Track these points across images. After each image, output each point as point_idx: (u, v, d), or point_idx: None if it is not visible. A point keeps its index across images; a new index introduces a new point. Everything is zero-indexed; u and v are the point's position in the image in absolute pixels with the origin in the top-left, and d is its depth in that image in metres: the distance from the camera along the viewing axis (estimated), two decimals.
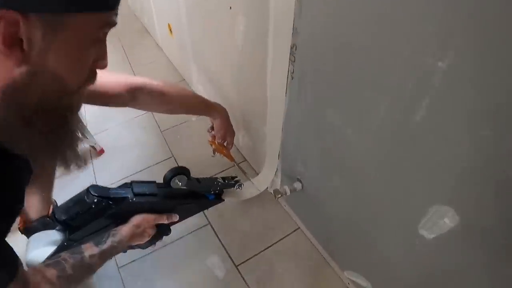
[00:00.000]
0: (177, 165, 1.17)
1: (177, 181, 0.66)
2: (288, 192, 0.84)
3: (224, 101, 1.20)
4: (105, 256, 0.60)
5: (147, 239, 0.67)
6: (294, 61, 0.65)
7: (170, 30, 1.59)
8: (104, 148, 1.35)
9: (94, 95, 0.65)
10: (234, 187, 0.84)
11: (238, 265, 0.95)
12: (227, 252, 0.98)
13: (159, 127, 1.40)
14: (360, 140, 0.57)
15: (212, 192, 0.80)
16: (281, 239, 1.00)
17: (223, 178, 0.82)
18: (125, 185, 0.67)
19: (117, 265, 1.00)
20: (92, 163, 1.33)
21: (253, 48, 0.81)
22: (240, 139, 1.17)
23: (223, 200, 0.84)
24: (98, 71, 0.45)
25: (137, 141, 1.37)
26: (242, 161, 1.20)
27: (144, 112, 1.50)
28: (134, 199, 0.63)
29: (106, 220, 0.64)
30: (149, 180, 0.70)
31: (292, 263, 0.94)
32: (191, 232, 1.04)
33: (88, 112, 1.58)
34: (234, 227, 1.04)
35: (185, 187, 0.68)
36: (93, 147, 1.34)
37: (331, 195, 0.76)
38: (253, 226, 1.03)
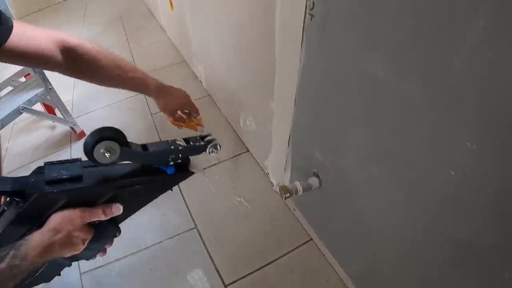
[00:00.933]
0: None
1: (103, 151, 0.37)
2: (301, 191, 0.61)
3: (224, 76, 0.98)
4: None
5: (81, 246, 0.43)
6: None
7: (171, 3, 1.39)
8: (84, 131, 1.16)
9: (18, 51, 0.50)
10: (206, 150, 0.49)
11: (228, 285, 0.71)
12: (215, 267, 0.75)
13: (149, 110, 1.19)
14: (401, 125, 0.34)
15: (171, 163, 0.46)
16: (287, 253, 0.75)
17: (187, 140, 0.49)
18: (38, 170, 0.41)
19: (79, 270, 0.79)
20: (71, 147, 1.14)
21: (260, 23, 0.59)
22: (241, 122, 0.94)
23: (192, 172, 0.50)
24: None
25: (122, 123, 1.17)
26: (245, 152, 0.97)
27: (132, 94, 1.30)
28: (47, 189, 0.38)
29: (18, 227, 0.40)
30: (73, 158, 0.42)
31: (300, 285, 0.70)
32: (172, 237, 0.81)
33: (75, 93, 1.40)
34: (227, 234, 0.80)
35: (124, 161, 0.41)
36: (72, 128, 1.16)
37: (363, 195, 0.52)
38: (252, 234, 0.80)
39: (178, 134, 0.98)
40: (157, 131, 1.11)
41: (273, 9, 0.55)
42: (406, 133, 0.38)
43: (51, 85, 1.09)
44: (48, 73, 1.11)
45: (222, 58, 0.96)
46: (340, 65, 0.44)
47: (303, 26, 0.48)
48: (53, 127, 1.26)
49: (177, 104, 0.75)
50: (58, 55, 0.55)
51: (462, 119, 0.30)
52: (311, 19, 0.46)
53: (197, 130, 0.73)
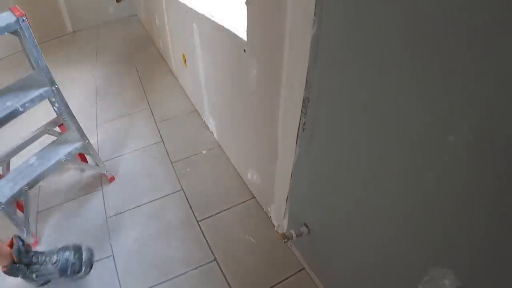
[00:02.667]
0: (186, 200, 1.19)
1: None
2: (295, 237, 0.85)
3: (234, 135, 1.23)
4: None
5: None
6: (306, 114, 0.68)
7: (184, 60, 1.65)
8: (114, 176, 1.38)
9: None
10: None
11: None
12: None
13: (169, 158, 1.43)
14: (368, 194, 0.59)
15: None
16: (284, 279, 0.99)
17: None
18: None
19: None
20: (102, 190, 1.35)
21: (265, 94, 0.84)
22: (248, 175, 1.18)
23: None
24: None
25: (146, 170, 1.39)
26: (252, 198, 1.21)
27: (155, 141, 1.54)
28: None
29: None
30: None
31: None
32: (195, 268, 1.04)
33: (101, 139, 1.63)
34: (239, 262, 1.04)
35: None
36: (104, 174, 1.38)
37: (338, 242, 0.77)
38: (257, 264, 1.03)
39: (193, 189, 1.19)
40: (178, 180, 1.34)
41: (276, 121, 0.80)
42: (355, 211, 0.63)
43: (88, 139, 1.31)
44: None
45: (232, 124, 1.21)
46: (323, 162, 0.70)
47: (297, 135, 0.73)
48: (82, 169, 1.48)
49: None
50: None
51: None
52: (303, 130, 0.72)
53: None
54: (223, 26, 0.95)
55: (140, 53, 2.59)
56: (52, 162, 1.26)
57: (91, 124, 1.74)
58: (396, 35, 0.42)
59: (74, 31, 3.54)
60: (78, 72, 2.43)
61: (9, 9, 1.05)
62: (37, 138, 1.46)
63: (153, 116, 1.73)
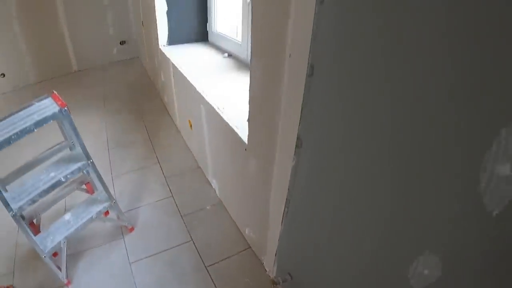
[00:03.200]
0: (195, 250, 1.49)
1: None
2: (281, 283, 1.18)
3: (233, 197, 1.57)
4: None
5: None
6: (290, 202, 1.03)
7: (190, 125, 2.00)
8: (134, 227, 1.68)
9: None
10: None
11: None
12: None
13: (179, 212, 1.75)
14: (342, 268, 0.92)
15: None
16: None
17: None
18: None
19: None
20: (124, 239, 1.64)
21: (261, 179, 1.19)
22: (246, 231, 1.51)
23: None
24: None
25: (161, 222, 1.70)
26: (247, 248, 1.53)
27: (167, 196, 1.86)
28: None
29: None
30: None
31: None
32: None
33: (118, 191, 1.92)
34: None
35: None
36: (125, 225, 1.67)
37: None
38: None
39: (201, 239, 1.46)
40: (188, 231, 1.65)
41: (268, 198, 1.15)
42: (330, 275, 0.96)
43: (115, 199, 1.61)
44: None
45: (232, 189, 1.55)
46: (304, 233, 1.04)
47: (283, 212, 1.07)
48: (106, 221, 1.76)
49: None
50: None
51: None
52: (287, 213, 1.06)
53: None
54: (228, 124, 1.31)
55: (146, 104, 2.93)
56: (85, 220, 1.53)
57: (107, 177, 2.03)
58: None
59: (79, 70, 3.86)
60: (88, 118, 2.74)
61: (51, 96, 1.32)
62: (68, 195, 1.76)
63: (162, 172, 2.05)
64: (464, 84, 0.44)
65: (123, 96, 3.16)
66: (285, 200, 1.03)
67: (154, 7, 2.38)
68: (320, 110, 0.72)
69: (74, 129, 1.39)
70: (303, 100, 0.75)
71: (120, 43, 4.04)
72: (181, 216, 1.72)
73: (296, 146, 0.84)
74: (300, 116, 0.79)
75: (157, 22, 2.44)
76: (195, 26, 2.54)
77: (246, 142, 1.19)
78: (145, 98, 3.06)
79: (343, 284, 0.85)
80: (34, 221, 1.58)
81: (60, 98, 1.34)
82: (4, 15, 3.13)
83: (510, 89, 0.39)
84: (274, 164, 1.03)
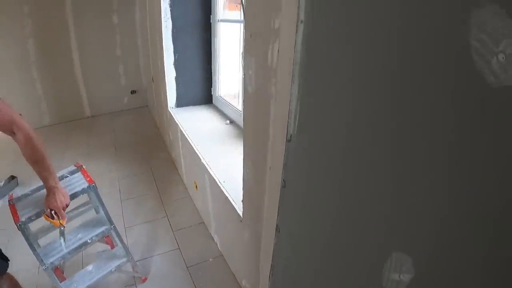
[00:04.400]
0: None
1: None
2: None
3: (232, 254, 1.82)
4: None
5: None
6: (274, 268, 1.29)
7: (196, 186, 2.29)
8: (146, 277, 1.92)
9: None
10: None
11: None
12: None
13: (185, 263, 2.00)
14: None
15: None
16: None
17: None
18: None
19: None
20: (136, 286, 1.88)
21: (252, 249, 1.45)
22: (243, 283, 1.76)
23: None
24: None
25: (170, 273, 1.95)
26: None
27: (174, 248, 2.11)
28: None
29: None
30: None
31: None
32: None
33: (130, 242, 2.17)
34: None
35: None
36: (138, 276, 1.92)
37: None
38: None
39: None
40: (192, 280, 1.90)
41: (258, 262, 1.41)
42: None
43: (132, 256, 1.87)
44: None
45: (230, 248, 1.81)
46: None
47: (269, 277, 1.33)
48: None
49: (50, 205, 1.23)
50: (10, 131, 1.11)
51: None
52: (272, 275, 1.32)
53: (58, 226, 1.34)
54: (228, 198, 1.60)
55: (155, 156, 3.24)
56: (105, 272, 1.78)
57: (120, 227, 2.29)
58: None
59: (92, 116, 4.22)
60: (101, 167, 3.05)
61: (80, 171, 1.59)
62: (89, 246, 2.02)
63: (170, 225, 2.32)
64: None
65: (133, 145, 3.48)
66: (270, 266, 1.29)
67: (164, 72, 2.74)
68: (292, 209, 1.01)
69: (100, 200, 1.67)
70: (280, 194, 1.04)
71: (131, 92, 4.44)
72: (186, 267, 1.97)
73: (276, 230, 1.11)
74: (278, 206, 1.07)
75: (167, 86, 2.79)
76: (200, 90, 2.89)
77: (241, 215, 1.47)
78: (154, 149, 3.39)
79: None
80: (59, 266, 1.83)
81: (88, 174, 1.63)
82: (24, 60, 3.54)
83: None
84: (262, 238, 1.31)
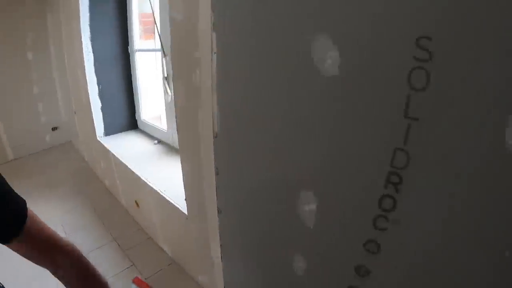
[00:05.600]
0: None
1: None
2: None
3: (183, 258, 2.03)
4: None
5: None
6: (223, 247, 1.55)
7: (137, 205, 2.43)
8: None
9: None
10: None
11: None
12: None
13: (142, 276, 2.12)
14: None
15: None
16: None
17: None
18: None
19: None
20: None
21: (201, 239, 1.69)
22: (199, 279, 1.97)
23: None
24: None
25: None
26: None
27: (128, 265, 2.21)
28: None
29: None
30: None
31: None
32: None
33: None
34: None
35: None
36: None
37: None
38: None
39: None
40: None
41: (208, 237, 1.66)
42: None
43: None
44: None
45: (180, 247, 2.01)
46: None
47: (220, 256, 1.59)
48: None
49: None
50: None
51: None
52: None
53: None
54: (171, 202, 1.81)
55: (90, 189, 3.23)
56: None
57: None
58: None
59: (15, 158, 3.98)
60: (38, 208, 2.88)
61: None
62: None
63: (119, 246, 2.40)
64: None
65: (66, 182, 3.40)
66: (219, 248, 1.55)
67: (89, 103, 2.83)
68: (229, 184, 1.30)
69: None
70: (216, 181, 1.33)
71: (52, 129, 4.29)
72: (145, 279, 2.10)
73: (218, 212, 1.39)
74: (216, 192, 1.36)
75: (93, 117, 2.88)
76: (126, 116, 3.05)
77: (187, 213, 1.70)
78: (87, 182, 3.37)
79: None
80: None
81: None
82: None
83: None
84: (208, 226, 1.57)
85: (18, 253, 0.68)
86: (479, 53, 0.58)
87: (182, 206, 1.75)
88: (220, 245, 1.52)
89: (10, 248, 0.65)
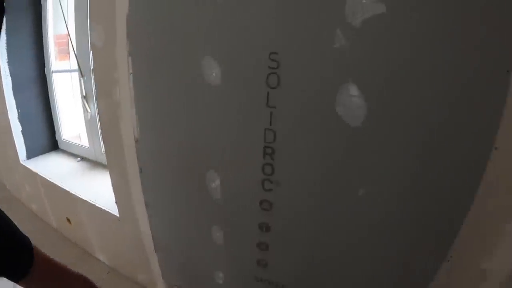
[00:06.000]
0: None
1: None
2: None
3: (119, 260, 2.18)
4: None
5: None
6: (154, 238, 1.77)
7: (69, 221, 2.49)
8: None
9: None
10: None
11: None
12: None
13: None
14: None
15: None
16: None
17: None
18: None
19: None
20: None
21: (136, 237, 1.89)
22: (138, 278, 2.13)
23: None
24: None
25: None
26: None
27: None
28: None
29: None
30: None
31: None
32: None
33: None
34: None
35: None
36: None
37: None
38: None
39: None
40: None
41: (139, 231, 1.87)
42: None
43: None
44: None
45: (116, 250, 2.16)
46: None
47: (153, 247, 1.81)
48: None
49: None
50: None
51: None
52: None
53: None
54: (103, 209, 1.98)
55: (14, 217, 3.11)
56: None
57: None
58: None
59: None
60: None
61: None
62: None
63: None
64: None
65: None
66: (152, 240, 1.77)
67: (10, 128, 2.80)
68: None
69: None
70: (140, 179, 1.57)
71: None
72: None
73: (146, 206, 1.62)
74: (142, 188, 1.59)
75: (15, 141, 2.85)
76: (47, 138, 3.07)
77: (118, 215, 1.89)
78: (11, 210, 3.21)
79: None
80: None
81: None
82: None
83: None
84: (139, 222, 1.78)
85: None
86: (305, 62, 0.95)
87: (113, 209, 1.93)
88: (152, 237, 1.75)
89: (22, 286, 0.64)
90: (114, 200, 1.87)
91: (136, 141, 1.48)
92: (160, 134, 1.38)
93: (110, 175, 1.78)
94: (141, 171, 1.54)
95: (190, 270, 1.65)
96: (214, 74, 1.15)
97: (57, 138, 3.08)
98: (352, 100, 0.93)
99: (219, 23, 1.06)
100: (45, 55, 2.81)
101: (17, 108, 2.75)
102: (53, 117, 3.02)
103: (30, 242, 0.69)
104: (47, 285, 0.70)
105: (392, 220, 1.02)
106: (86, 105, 2.42)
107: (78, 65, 2.32)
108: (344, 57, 0.91)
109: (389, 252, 1.07)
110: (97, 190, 2.21)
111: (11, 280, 0.63)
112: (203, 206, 1.37)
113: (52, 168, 2.68)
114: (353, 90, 0.92)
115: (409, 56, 0.84)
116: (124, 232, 1.92)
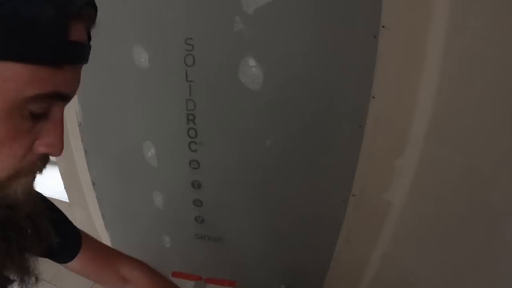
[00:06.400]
0: None
1: None
2: None
3: None
4: None
5: None
6: (104, 219, 1.92)
7: None
8: None
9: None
10: None
11: None
12: None
13: None
14: None
15: None
16: None
17: None
18: None
19: None
20: None
21: (90, 223, 2.02)
22: None
23: None
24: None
25: None
26: None
27: None
28: None
29: None
30: None
31: None
32: None
33: None
34: None
35: None
36: None
37: None
38: None
39: None
40: None
41: (86, 206, 2.00)
42: None
43: None
44: None
45: None
46: None
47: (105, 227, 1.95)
48: None
49: None
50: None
51: None
52: None
53: None
54: (51, 197, 2.08)
55: None
56: None
57: None
58: None
59: None
60: None
61: None
62: None
63: None
64: None
65: None
66: (101, 217, 1.92)
67: None
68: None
69: None
70: (86, 160, 1.72)
71: None
72: None
73: (93, 185, 1.78)
74: (87, 169, 1.74)
75: None
76: None
77: (68, 200, 2.01)
78: None
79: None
80: None
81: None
82: None
83: None
84: (87, 203, 1.92)
85: (80, 273, 0.65)
86: (213, 44, 1.20)
87: (63, 196, 2.04)
88: (102, 216, 1.90)
89: (73, 270, 0.63)
90: (62, 187, 1.98)
91: (80, 124, 1.64)
92: (100, 115, 1.56)
93: (58, 163, 1.90)
94: (86, 152, 1.69)
95: (139, 241, 1.83)
96: (143, 59, 1.36)
97: None
98: (251, 70, 1.21)
99: (146, 17, 1.28)
100: None
101: None
102: None
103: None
104: (98, 262, 0.69)
105: (296, 162, 1.32)
106: None
107: None
108: (243, 38, 1.18)
109: (300, 190, 1.37)
110: (43, 183, 2.28)
111: (58, 262, 0.62)
112: (143, 175, 1.57)
113: None
114: (251, 62, 1.20)
115: (294, 33, 1.11)
116: (76, 219, 2.03)
